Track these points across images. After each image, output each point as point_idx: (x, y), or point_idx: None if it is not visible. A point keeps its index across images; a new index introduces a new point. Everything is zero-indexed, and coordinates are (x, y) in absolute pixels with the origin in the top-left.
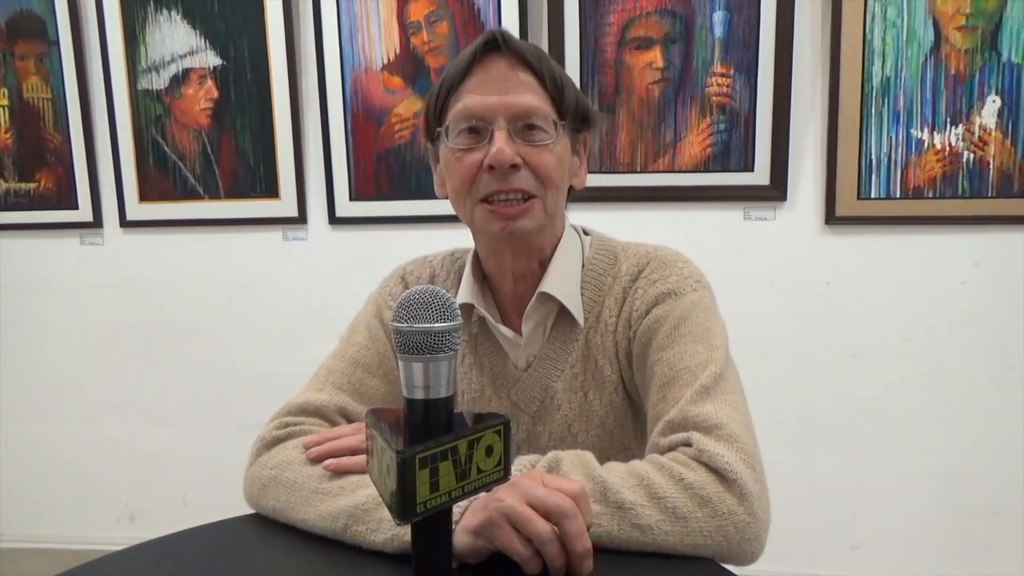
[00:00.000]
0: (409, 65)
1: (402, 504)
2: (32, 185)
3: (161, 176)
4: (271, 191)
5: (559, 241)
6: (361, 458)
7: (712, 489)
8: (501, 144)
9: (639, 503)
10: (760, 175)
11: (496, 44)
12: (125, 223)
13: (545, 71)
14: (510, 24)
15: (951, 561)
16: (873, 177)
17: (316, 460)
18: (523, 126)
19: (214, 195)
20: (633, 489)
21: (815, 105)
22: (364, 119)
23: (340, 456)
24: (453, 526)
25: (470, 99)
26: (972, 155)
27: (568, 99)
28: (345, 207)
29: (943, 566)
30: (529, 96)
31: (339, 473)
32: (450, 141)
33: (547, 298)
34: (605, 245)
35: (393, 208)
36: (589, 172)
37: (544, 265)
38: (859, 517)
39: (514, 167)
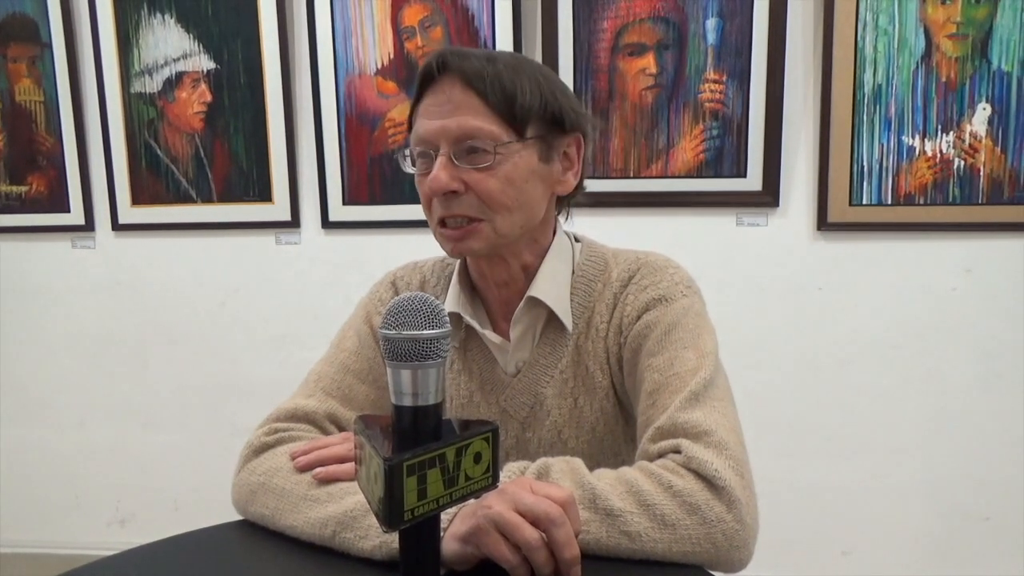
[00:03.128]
0: (403, 70)
1: (390, 511)
2: (24, 188)
3: (154, 179)
4: (264, 195)
5: (547, 249)
6: (349, 466)
7: (701, 496)
8: (436, 171)
9: (628, 510)
10: (752, 181)
11: (441, 67)
12: (117, 226)
13: (489, 86)
14: (503, 30)
15: (942, 566)
16: (865, 184)
17: (304, 469)
18: (465, 148)
19: (207, 199)
20: (622, 496)
21: (807, 112)
22: (358, 123)
23: (328, 465)
24: (441, 533)
25: (420, 124)
26: (963, 162)
27: (523, 109)
28: (338, 211)
29: (934, 571)
30: (467, 118)
31: (327, 481)
32: (414, 164)
33: (535, 303)
34: (595, 251)
35: (386, 213)
36: (583, 176)
37: (528, 271)
38: (850, 523)
39: (455, 192)
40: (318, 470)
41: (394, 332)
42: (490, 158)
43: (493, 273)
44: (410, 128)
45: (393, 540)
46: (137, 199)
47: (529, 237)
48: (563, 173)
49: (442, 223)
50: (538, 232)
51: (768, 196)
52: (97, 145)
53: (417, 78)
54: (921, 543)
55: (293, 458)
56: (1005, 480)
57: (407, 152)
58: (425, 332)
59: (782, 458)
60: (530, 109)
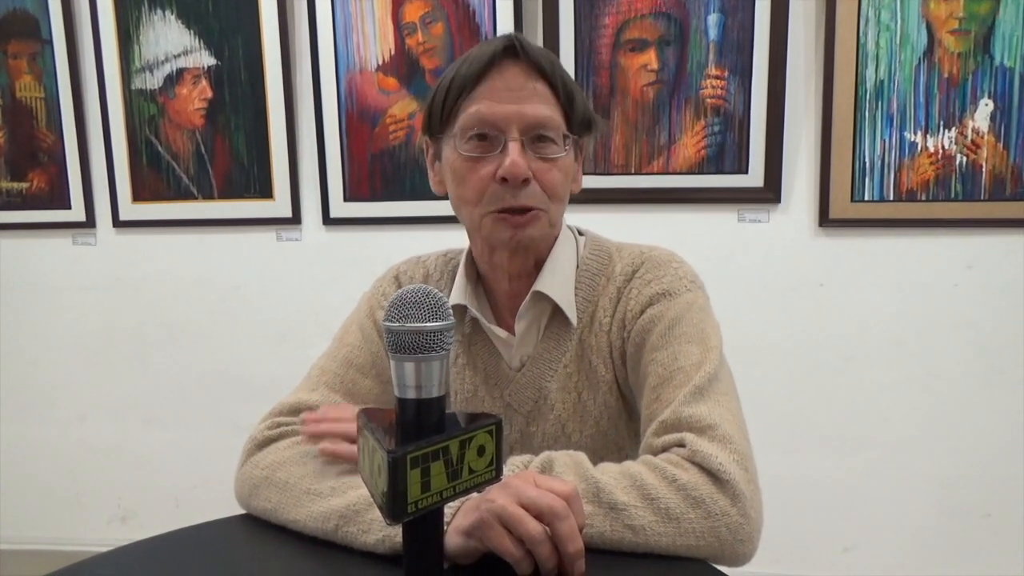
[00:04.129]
0: (404, 66)
1: (393, 504)
2: (24, 185)
3: (154, 176)
4: (265, 191)
5: (555, 241)
6: (355, 448)
7: (705, 490)
8: (516, 157)
9: (632, 504)
10: (754, 177)
11: (514, 51)
12: (118, 223)
13: (558, 81)
14: (504, 26)
15: (943, 563)
16: (866, 180)
17: (312, 437)
18: (535, 137)
19: (208, 195)
20: (626, 490)
21: (809, 108)
22: (358, 120)
23: (336, 441)
24: (445, 527)
25: (484, 105)
26: (965, 158)
27: (578, 109)
28: (339, 208)
29: (935, 568)
30: (543, 107)
31: (332, 459)
32: (460, 146)
33: (541, 297)
34: (600, 245)
35: (387, 209)
36: (584, 174)
37: (539, 265)
38: (851, 519)
39: (525, 181)
40: (325, 445)
41: (397, 324)
42: (559, 150)
43: (512, 265)
44: (450, 111)
45: (396, 534)
46: (138, 196)
47: (552, 233)
48: (577, 172)
49: (499, 210)
50: (556, 226)
51: (770, 192)
52: (98, 142)
53: (480, 59)
54: (922, 539)
55: (305, 422)
56: (1006, 477)
57: (450, 134)
58: (428, 324)
59: (783, 454)
60: (580, 108)
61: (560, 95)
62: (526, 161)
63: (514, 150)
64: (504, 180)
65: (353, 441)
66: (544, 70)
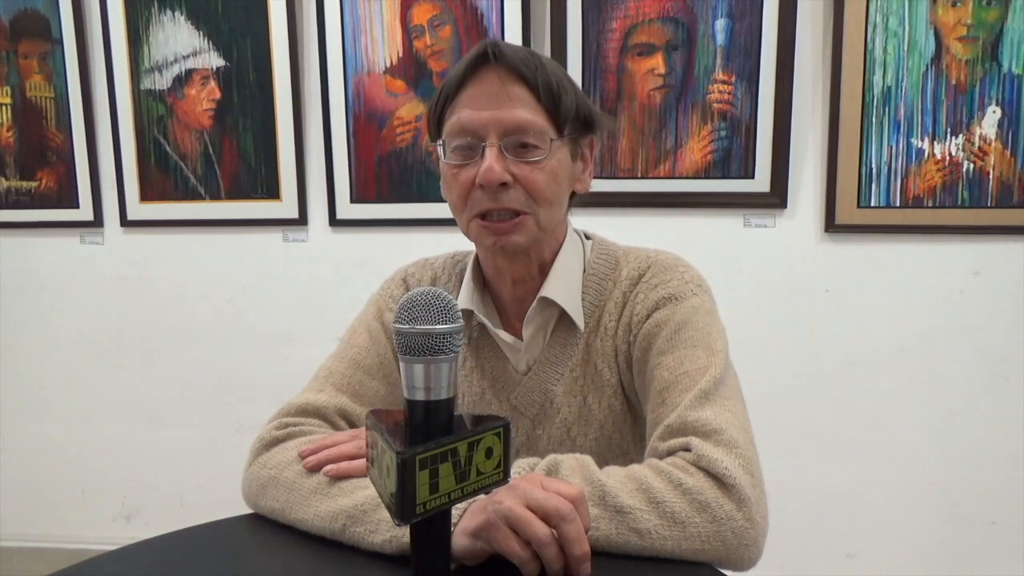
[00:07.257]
0: (412, 68)
1: (401, 505)
2: (33, 184)
3: (162, 176)
4: (272, 192)
5: (560, 246)
6: (360, 462)
7: (711, 494)
8: (490, 162)
9: (638, 507)
10: (760, 182)
11: (488, 57)
12: (126, 223)
13: (540, 82)
14: (512, 29)
15: (947, 570)
16: (873, 186)
17: (314, 469)
18: (515, 141)
19: (215, 196)
20: (632, 493)
21: (816, 113)
22: (366, 121)
23: (337, 463)
24: (452, 528)
25: (463, 114)
26: (972, 165)
27: (566, 108)
28: (346, 209)
29: (940, 575)
30: (522, 111)
31: (339, 478)
32: (446, 155)
33: (548, 303)
34: (606, 249)
35: (394, 211)
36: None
37: (544, 270)
38: (855, 525)
39: (504, 185)
40: (329, 467)
41: (407, 326)
42: (541, 152)
43: (513, 269)
44: (438, 119)
45: (403, 534)
46: (146, 195)
47: (551, 234)
48: (581, 172)
49: (482, 216)
50: (557, 230)
51: (776, 197)
52: (106, 141)
53: (459, 69)
54: (927, 546)
55: (302, 457)
56: (1012, 483)
57: (440, 142)
58: (438, 327)
59: (787, 459)
60: (570, 108)
61: (542, 96)
62: (503, 166)
63: (490, 155)
64: (483, 185)
65: (353, 459)
66: (522, 73)
